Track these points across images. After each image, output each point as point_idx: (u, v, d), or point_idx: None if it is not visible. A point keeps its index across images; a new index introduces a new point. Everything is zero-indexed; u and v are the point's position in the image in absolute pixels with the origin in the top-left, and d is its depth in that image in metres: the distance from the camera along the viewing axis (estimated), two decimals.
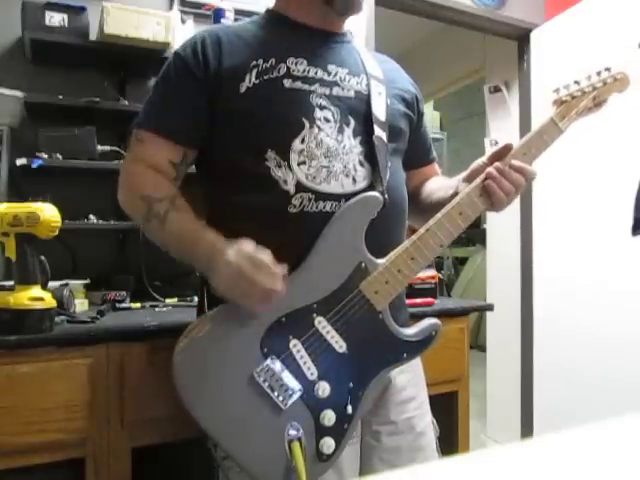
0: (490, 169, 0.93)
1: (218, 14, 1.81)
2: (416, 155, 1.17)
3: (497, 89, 2.93)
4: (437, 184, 1.15)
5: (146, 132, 0.98)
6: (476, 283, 4.58)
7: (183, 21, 1.83)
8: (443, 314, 1.51)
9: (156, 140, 0.97)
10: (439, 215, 0.93)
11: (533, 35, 2.58)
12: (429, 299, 1.57)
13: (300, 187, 0.91)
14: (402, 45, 3.77)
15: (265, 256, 0.85)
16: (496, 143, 2.97)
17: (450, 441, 1.51)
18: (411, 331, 0.96)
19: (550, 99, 1.00)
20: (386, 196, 0.94)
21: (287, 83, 0.95)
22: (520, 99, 2.79)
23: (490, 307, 1.76)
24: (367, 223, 0.92)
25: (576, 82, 0.99)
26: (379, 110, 1.00)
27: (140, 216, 0.96)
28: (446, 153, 4.35)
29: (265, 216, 0.93)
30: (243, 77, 0.94)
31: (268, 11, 1.07)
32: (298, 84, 0.95)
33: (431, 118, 4.25)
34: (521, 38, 2.71)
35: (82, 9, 1.64)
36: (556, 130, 0.97)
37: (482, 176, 0.94)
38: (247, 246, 0.86)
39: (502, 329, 2.89)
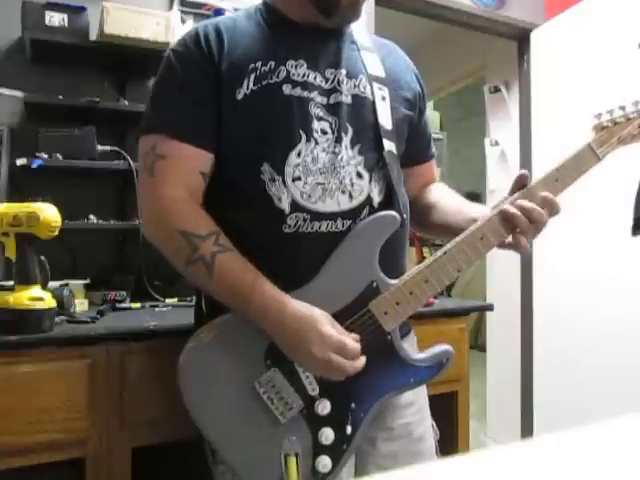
0: (514, 210, 0.88)
1: (218, 14, 1.81)
2: (413, 151, 1.09)
3: (497, 89, 2.93)
4: (453, 202, 1.07)
5: (168, 142, 0.88)
6: (476, 283, 4.58)
7: (183, 21, 1.84)
8: (443, 314, 1.51)
9: (183, 151, 0.89)
10: (459, 239, 0.89)
11: (533, 35, 2.58)
12: (429, 299, 1.57)
13: (295, 206, 0.87)
14: (402, 45, 3.74)
15: (354, 344, 0.84)
16: (496, 143, 2.97)
17: (450, 441, 1.51)
18: (421, 356, 0.92)
19: (590, 124, 0.94)
20: (404, 215, 0.92)
21: (287, 89, 0.90)
22: (520, 99, 2.79)
23: (490, 307, 1.76)
24: (382, 242, 0.89)
25: (621, 107, 0.92)
26: (385, 118, 0.95)
27: (182, 257, 0.86)
28: (446, 153, 4.35)
29: (258, 235, 0.89)
30: (241, 82, 0.89)
31: (264, 4, 1.00)
32: (298, 90, 0.90)
33: (431, 118, 4.26)
34: (521, 38, 2.71)
35: (82, 9, 1.64)
36: (593, 158, 0.91)
37: (506, 203, 0.90)
38: (332, 336, 0.83)
39: (502, 329, 2.89)
